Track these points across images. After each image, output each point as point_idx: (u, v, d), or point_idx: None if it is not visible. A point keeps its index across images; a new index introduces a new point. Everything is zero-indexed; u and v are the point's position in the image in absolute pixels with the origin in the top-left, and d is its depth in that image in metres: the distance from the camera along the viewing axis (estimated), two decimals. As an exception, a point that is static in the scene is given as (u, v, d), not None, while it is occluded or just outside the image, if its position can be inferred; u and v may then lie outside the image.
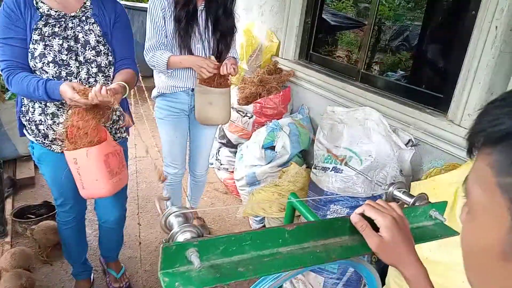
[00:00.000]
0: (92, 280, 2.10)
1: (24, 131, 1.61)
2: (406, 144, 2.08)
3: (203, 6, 2.01)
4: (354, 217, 0.78)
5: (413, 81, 2.52)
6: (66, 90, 1.34)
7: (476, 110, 1.66)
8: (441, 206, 0.94)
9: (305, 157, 2.87)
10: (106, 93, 1.32)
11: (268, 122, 2.88)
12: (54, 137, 1.54)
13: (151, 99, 2.26)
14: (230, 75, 2.04)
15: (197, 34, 2.00)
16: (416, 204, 0.92)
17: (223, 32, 2.05)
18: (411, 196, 0.95)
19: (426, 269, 0.75)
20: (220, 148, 3.38)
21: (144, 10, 5.23)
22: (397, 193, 0.96)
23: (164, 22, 1.95)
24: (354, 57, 2.79)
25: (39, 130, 1.55)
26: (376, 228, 0.77)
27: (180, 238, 0.70)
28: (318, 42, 3.16)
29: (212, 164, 3.46)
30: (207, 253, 0.69)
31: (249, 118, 3.06)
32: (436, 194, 1.59)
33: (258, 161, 2.77)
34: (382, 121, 2.10)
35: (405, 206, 0.94)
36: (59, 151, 1.56)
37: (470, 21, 1.87)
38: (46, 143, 1.57)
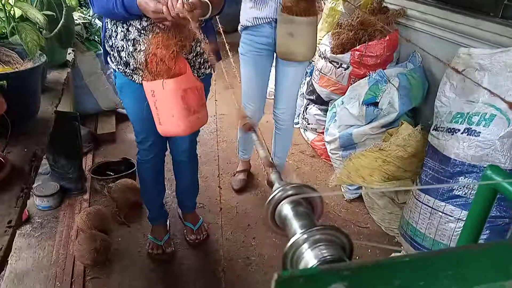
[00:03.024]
0: (168, 227, 2.06)
1: (108, 58, 1.57)
2: None
3: None
4: None
5: None
6: (145, 1, 1.25)
7: None
8: None
9: (415, 116, 2.35)
10: (182, 7, 1.18)
11: (370, 73, 2.38)
12: (135, 66, 1.48)
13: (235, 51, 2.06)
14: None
15: None
16: None
17: None
18: None
19: None
20: (308, 105, 2.96)
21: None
22: None
23: None
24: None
25: (120, 57, 1.50)
26: None
27: (309, 256, 0.34)
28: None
29: (298, 123, 3.08)
30: (366, 293, 0.32)
31: (344, 70, 2.57)
32: None
33: (355, 120, 2.32)
34: (545, 67, 1.52)
35: None
36: (140, 82, 1.50)
37: None
38: (128, 72, 1.52)
